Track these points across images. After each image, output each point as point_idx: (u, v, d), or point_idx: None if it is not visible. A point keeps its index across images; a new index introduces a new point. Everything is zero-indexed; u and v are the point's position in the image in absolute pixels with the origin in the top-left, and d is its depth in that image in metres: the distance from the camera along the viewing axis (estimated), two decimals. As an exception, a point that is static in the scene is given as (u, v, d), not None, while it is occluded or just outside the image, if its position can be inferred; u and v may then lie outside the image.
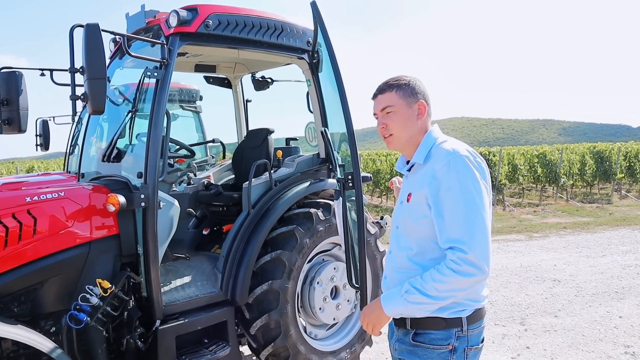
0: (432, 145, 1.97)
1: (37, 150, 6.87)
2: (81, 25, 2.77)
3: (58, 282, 3.07)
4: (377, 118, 2.07)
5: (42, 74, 3.67)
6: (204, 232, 4.62)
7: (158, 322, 3.31)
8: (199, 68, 4.80)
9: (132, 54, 3.12)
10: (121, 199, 3.10)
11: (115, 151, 3.60)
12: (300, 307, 4.12)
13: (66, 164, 7.53)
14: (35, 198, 3.01)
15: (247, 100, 5.33)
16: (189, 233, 4.61)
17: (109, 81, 3.99)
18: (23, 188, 3.32)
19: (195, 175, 4.85)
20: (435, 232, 1.85)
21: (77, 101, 2.85)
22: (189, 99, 7.48)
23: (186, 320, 3.44)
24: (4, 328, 2.55)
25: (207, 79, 5.10)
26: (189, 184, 4.76)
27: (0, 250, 2.81)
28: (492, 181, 13.28)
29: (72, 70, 2.81)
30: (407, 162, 2.07)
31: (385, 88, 2.03)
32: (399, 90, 2.00)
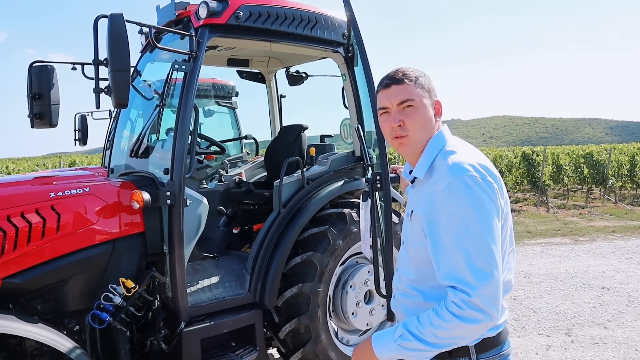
0: (436, 154, 1.66)
1: (75, 145, 6.93)
2: (106, 16, 2.67)
3: (81, 280, 2.99)
4: (385, 113, 1.71)
5: (74, 68, 3.61)
6: (234, 231, 4.51)
7: (183, 324, 3.20)
8: (231, 62, 4.68)
9: (159, 45, 3.01)
10: (145, 195, 3.00)
11: (143, 146, 3.51)
12: (332, 311, 3.95)
13: (103, 158, 7.58)
14: (60, 194, 2.94)
15: (282, 96, 5.19)
16: (218, 231, 4.50)
17: (140, 75, 3.94)
18: (54, 182, 3.26)
19: (227, 172, 4.75)
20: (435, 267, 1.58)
21: (100, 94, 2.76)
22: (224, 94, 7.41)
23: (212, 322, 3.31)
24: (23, 327, 2.47)
25: (240, 73, 4.98)
26: (220, 181, 4.65)
27: (23, 247, 2.75)
28: (535, 182, 12.74)
29: (96, 62, 2.73)
30: (410, 172, 1.77)
31: (402, 78, 1.66)
32: (418, 84, 1.66)
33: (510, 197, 17.48)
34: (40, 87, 3.30)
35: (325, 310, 3.70)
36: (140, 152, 3.51)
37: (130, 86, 2.71)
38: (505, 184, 16.26)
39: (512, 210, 14.83)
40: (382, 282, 2.91)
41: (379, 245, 2.90)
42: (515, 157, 17.01)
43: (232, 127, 7.74)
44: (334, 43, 4.00)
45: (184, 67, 3.20)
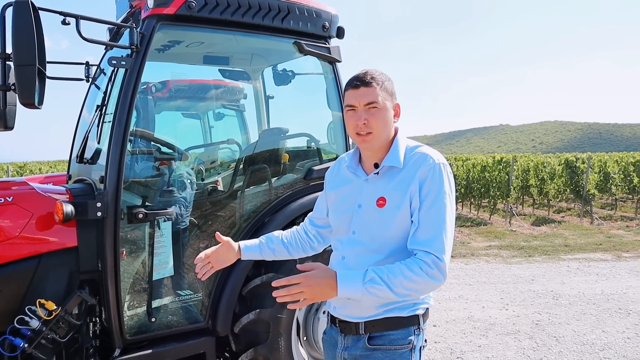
0: (405, 148, 1.91)
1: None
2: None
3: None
4: (351, 110, 1.87)
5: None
6: (202, 246, 4.12)
7: (117, 351, 2.85)
8: (209, 60, 4.31)
9: (86, 37, 2.62)
10: (67, 207, 2.65)
11: (88, 151, 3.18)
12: (304, 339, 3.50)
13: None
14: (-24, 204, 2.63)
15: (269, 97, 4.78)
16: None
17: (104, 74, 3.63)
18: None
19: (202, 180, 4.36)
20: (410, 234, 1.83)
21: (7, 92, 2.45)
22: (231, 96, 7.07)
23: (152, 350, 2.94)
24: None
25: (222, 72, 4.61)
26: (192, 189, 4.28)
27: None
28: (579, 191, 11.94)
29: (2, 57, 2.40)
30: (376, 165, 1.93)
31: (370, 81, 1.84)
32: (383, 88, 1.86)
33: (552, 206, 16.50)
34: None
35: (289, 339, 3.26)
36: (85, 157, 3.20)
37: (38, 84, 2.37)
38: (547, 192, 15.44)
39: (553, 221, 13.94)
40: None
41: None
42: (559, 165, 16.05)
43: (241, 131, 7.40)
44: (312, 36, 3.59)
45: (123, 62, 2.85)
